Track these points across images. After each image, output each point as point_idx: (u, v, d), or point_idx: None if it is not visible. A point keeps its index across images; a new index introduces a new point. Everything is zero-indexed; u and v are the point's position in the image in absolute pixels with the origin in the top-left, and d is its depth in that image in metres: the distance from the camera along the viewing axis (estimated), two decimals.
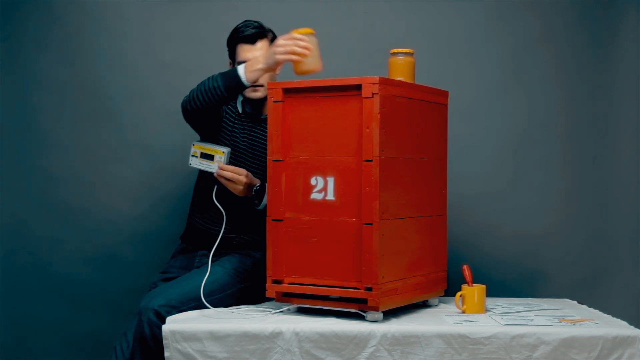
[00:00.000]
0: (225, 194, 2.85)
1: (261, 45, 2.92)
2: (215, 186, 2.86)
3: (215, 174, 2.81)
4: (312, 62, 2.65)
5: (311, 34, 2.66)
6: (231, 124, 2.96)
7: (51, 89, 3.44)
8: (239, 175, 2.80)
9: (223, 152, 2.82)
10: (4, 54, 3.44)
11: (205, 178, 2.95)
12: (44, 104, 3.44)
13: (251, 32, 2.92)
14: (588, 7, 3.35)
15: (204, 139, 2.98)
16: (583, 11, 3.35)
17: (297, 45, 2.62)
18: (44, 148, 3.44)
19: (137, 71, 3.43)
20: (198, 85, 2.78)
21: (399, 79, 2.70)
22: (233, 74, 2.71)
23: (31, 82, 3.44)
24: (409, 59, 2.77)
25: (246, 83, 2.71)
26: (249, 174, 2.84)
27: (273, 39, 2.94)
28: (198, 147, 2.84)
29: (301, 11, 3.41)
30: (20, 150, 3.44)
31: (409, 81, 2.72)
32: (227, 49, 3.00)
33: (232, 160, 2.90)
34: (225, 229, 2.84)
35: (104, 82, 3.42)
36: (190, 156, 2.84)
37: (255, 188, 2.86)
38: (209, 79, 2.76)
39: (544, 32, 3.37)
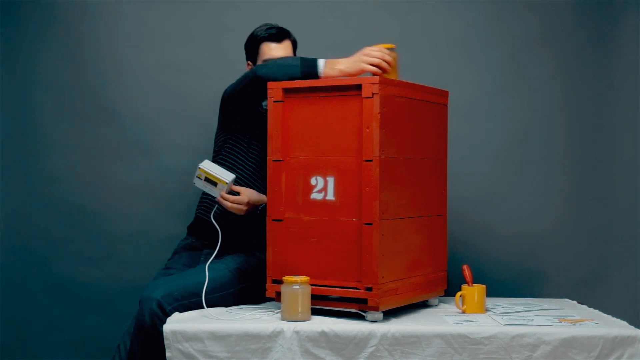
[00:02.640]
0: (225, 212, 2.86)
1: (286, 45, 3.01)
2: (216, 205, 2.85)
3: (216, 199, 2.82)
4: (300, 315, 2.51)
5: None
6: (261, 114, 2.98)
7: (51, 89, 3.44)
8: (239, 205, 2.81)
9: (226, 182, 2.77)
10: (4, 54, 3.44)
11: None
12: (44, 104, 3.45)
13: (277, 31, 3.00)
14: (588, 7, 3.35)
15: (218, 146, 2.99)
16: (583, 11, 3.35)
17: (384, 58, 2.66)
18: (44, 148, 3.44)
19: (137, 71, 3.43)
20: (270, 63, 2.78)
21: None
22: (312, 62, 2.70)
23: (31, 82, 3.45)
24: (391, 54, 2.76)
25: (321, 75, 2.70)
26: (252, 198, 2.84)
27: (294, 42, 3.05)
28: (203, 171, 2.79)
29: (301, 11, 3.41)
30: (20, 150, 3.44)
31: (392, 77, 2.71)
32: (245, 51, 3.07)
33: (260, 156, 2.93)
34: (224, 238, 2.82)
35: (104, 82, 3.42)
36: (195, 177, 2.81)
37: (260, 207, 2.87)
38: (286, 58, 2.79)
39: (544, 32, 3.37)
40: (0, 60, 3.44)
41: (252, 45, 3.04)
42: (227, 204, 2.80)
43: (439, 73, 3.32)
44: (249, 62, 3.07)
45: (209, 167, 2.81)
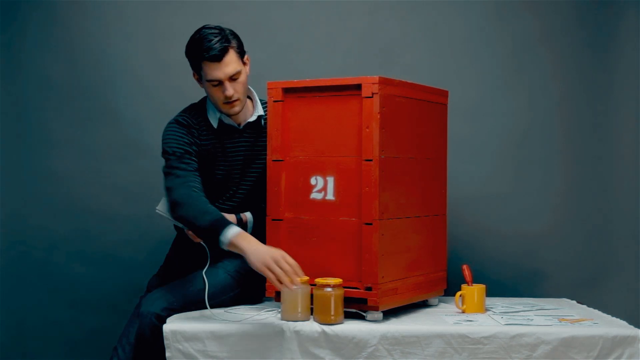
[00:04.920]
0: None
1: (228, 59, 2.73)
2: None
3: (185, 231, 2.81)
4: (300, 315, 2.49)
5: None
6: (210, 145, 2.84)
7: (51, 89, 3.44)
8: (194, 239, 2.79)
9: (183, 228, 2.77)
10: (5, 54, 3.44)
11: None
12: (44, 104, 3.44)
13: (217, 50, 2.72)
14: (588, 7, 3.34)
15: None
16: (583, 11, 3.35)
17: (286, 279, 2.42)
18: (44, 148, 3.44)
19: (137, 71, 3.43)
20: (183, 206, 2.64)
21: None
22: (215, 234, 2.54)
23: (31, 82, 3.45)
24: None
25: (223, 247, 2.56)
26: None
27: (238, 44, 2.78)
28: (160, 213, 2.78)
29: (301, 11, 3.41)
30: (20, 149, 3.45)
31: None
32: (186, 58, 2.83)
33: (223, 181, 2.86)
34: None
35: (104, 82, 3.43)
36: (158, 207, 2.79)
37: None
38: (196, 214, 2.61)
39: (544, 32, 3.37)
40: (1, 61, 3.44)
41: (194, 60, 2.79)
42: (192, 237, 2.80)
43: (439, 73, 3.32)
44: (195, 73, 2.83)
45: (164, 210, 2.77)
